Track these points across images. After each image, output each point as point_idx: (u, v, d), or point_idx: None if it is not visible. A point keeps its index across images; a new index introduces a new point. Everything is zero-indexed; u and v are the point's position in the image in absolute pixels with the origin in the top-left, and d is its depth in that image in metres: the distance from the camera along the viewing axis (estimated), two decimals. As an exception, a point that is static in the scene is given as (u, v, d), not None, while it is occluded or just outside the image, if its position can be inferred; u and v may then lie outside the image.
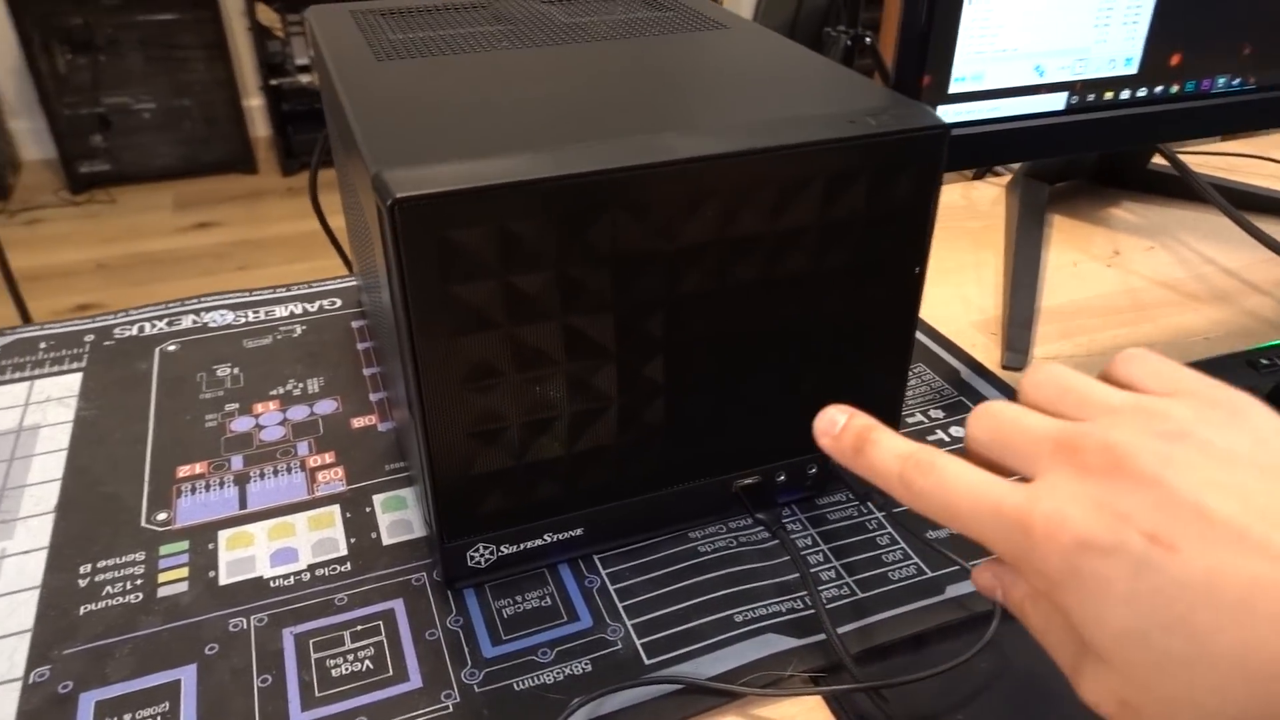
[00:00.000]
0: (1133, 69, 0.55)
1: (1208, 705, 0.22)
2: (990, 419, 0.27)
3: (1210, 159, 0.90)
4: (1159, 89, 0.57)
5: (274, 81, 2.76)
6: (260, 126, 2.94)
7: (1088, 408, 0.26)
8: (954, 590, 0.42)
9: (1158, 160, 0.82)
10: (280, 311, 0.62)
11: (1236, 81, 0.59)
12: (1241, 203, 0.76)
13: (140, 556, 0.43)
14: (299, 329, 0.61)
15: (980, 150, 0.54)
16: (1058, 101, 0.54)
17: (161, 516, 0.46)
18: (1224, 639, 0.21)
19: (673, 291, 0.38)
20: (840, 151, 0.37)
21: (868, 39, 2.01)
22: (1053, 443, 0.25)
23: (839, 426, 0.30)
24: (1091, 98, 0.55)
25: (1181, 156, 0.76)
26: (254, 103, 2.90)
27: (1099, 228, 0.79)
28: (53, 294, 2.16)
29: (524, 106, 0.40)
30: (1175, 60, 0.57)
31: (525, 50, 0.48)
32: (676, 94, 0.42)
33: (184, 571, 0.42)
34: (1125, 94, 0.56)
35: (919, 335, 0.60)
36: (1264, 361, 0.53)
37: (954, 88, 0.52)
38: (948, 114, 0.52)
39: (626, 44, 0.49)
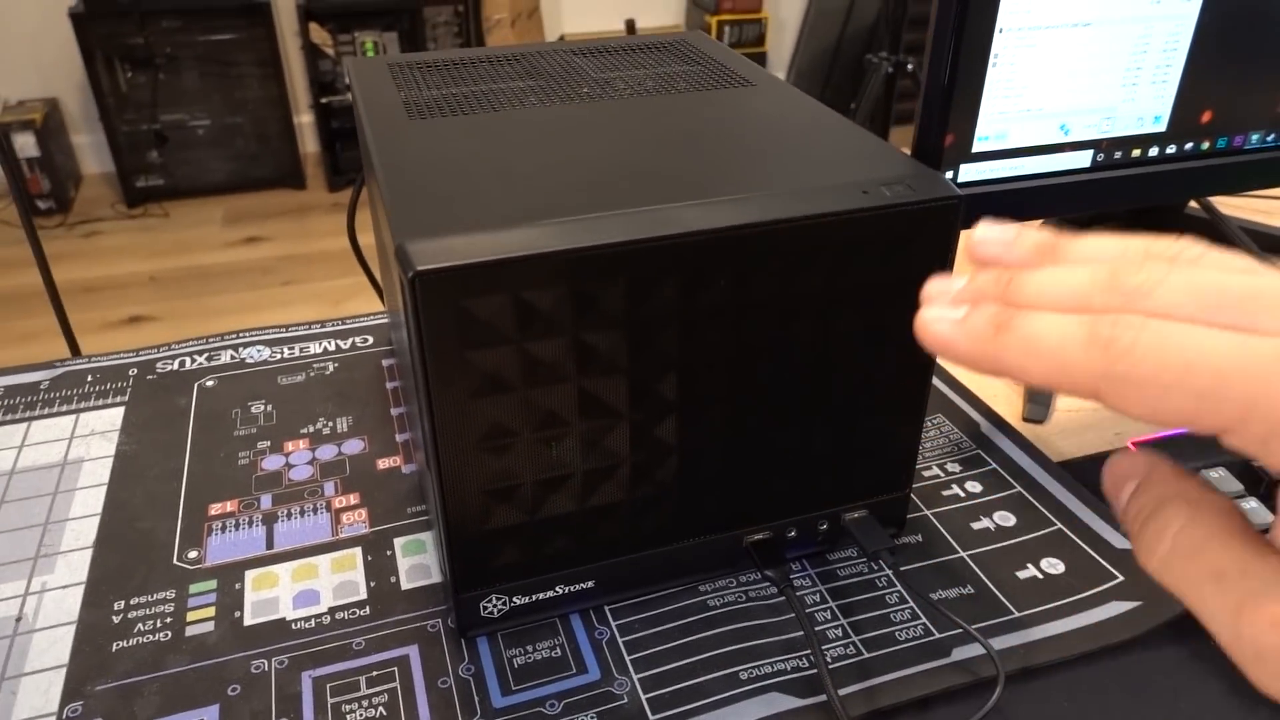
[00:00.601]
0: (1161, 126, 0.55)
1: None
2: (1182, 267, 0.19)
3: (1250, 202, 0.89)
4: (1189, 146, 0.57)
5: (324, 99, 2.83)
6: (310, 143, 3.01)
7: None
8: (960, 653, 0.42)
9: (1194, 204, 0.81)
10: (314, 348, 0.64)
11: (1271, 137, 0.59)
12: (1277, 249, 0.75)
13: (171, 594, 0.45)
14: (331, 366, 0.63)
15: (1003, 208, 0.54)
16: (1083, 159, 0.54)
17: (192, 554, 0.47)
18: None
19: (685, 355, 0.39)
20: (852, 223, 0.38)
21: (909, 65, 2.01)
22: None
23: (963, 308, 0.20)
24: (1118, 155, 0.55)
25: (1220, 199, 0.75)
26: (305, 119, 2.97)
27: (1132, 273, 0.78)
28: (107, 305, 2.23)
29: (546, 171, 0.41)
30: (1206, 117, 0.56)
31: (553, 108, 0.49)
32: (695, 159, 0.43)
33: (211, 611, 0.44)
34: (1154, 151, 0.56)
35: (938, 384, 0.60)
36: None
37: (977, 146, 0.52)
38: (970, 172, 0.52)
39: (652, 101, 0.50)
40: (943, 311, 0.20)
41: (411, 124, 0.47)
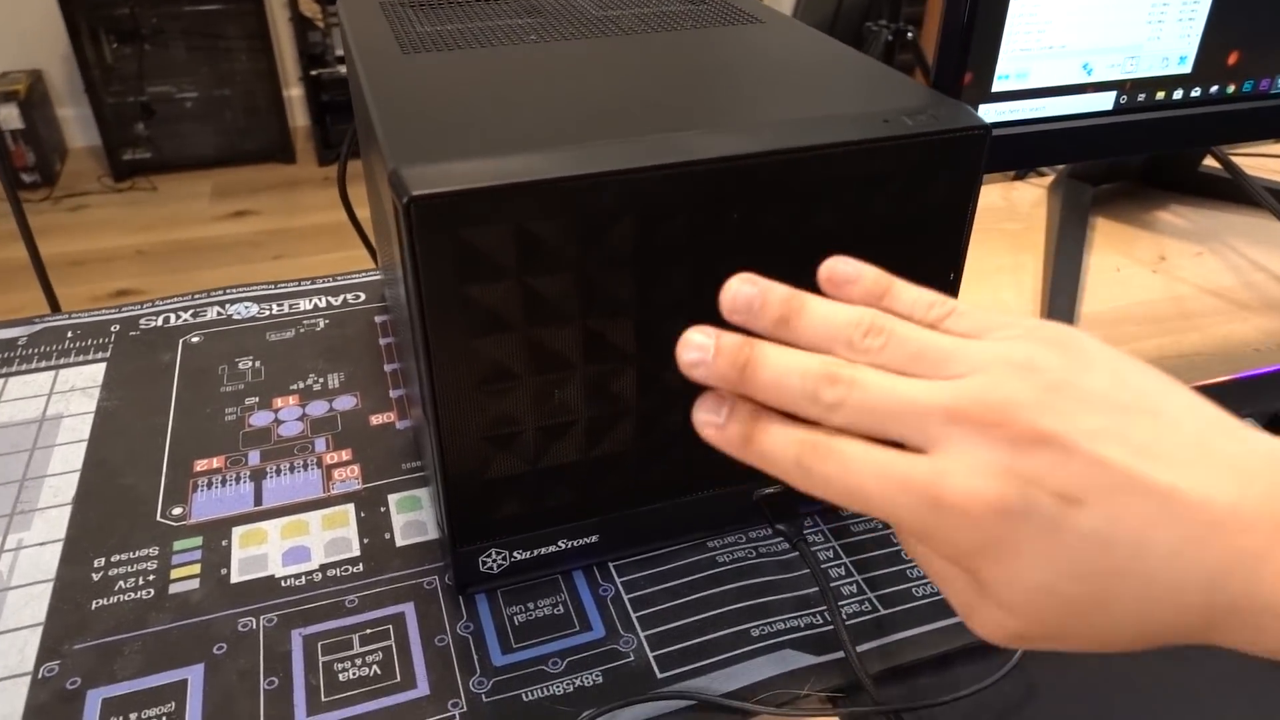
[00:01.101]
0: (1186, 68, 0.53)
1: (1102, 637, 0.24)
2: (857, 389, 0.25)
3: (1267, 161, 0.87)
4: (1214, 89, 0.55)
5: (314, 72, 2.78)
6: (299, 116, 2.96)
7: (952, 364, 0.25)
8: (982, 610, 0.40)
9: (1209, 161, 0.79)
10: (304, 305, 0.62)
11: (1296, 83, 0.57)
12: (1296, 209, 0.73)
13: (154, 551, 0.43)
14: (322, 323, 0.60)
15: (1023, 151, 0.52)
16: (1106, 101, 0.52)
17: (177, 511, 0.45)
18: (1123, 582, 0.23)
19: (697, 294, 0.36)
20: (873, 153, 0.36)
21: (909, 34, 1.98)
22: (943, 411, 0.24)
23: (723, 416, 0.27)
24: (1142, 97, 0.53)
25: (1236, 157, 0.73)
26: (294, 93, 2.92)
27: (1145, 231, 0.76)
28: (93, 279, 2.20)
29: (548, 102, 0.39)
30: (1232, 59, 0.54)
31: (554, 44, 0.47)
32: (705, 91, 0.41)
33: (196, 568, 0.42)
34: (1178, 94, 0.54)
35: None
36: (1318, 377, 0.50)
37: (997, 86, 0.50)
38: (989, 113, 0.50)
39: (657, 38, 0.48)
40: (709, 416, 0.28)
41: (405, 58, 0.45)
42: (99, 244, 2.37)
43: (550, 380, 0.36)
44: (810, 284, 0.38)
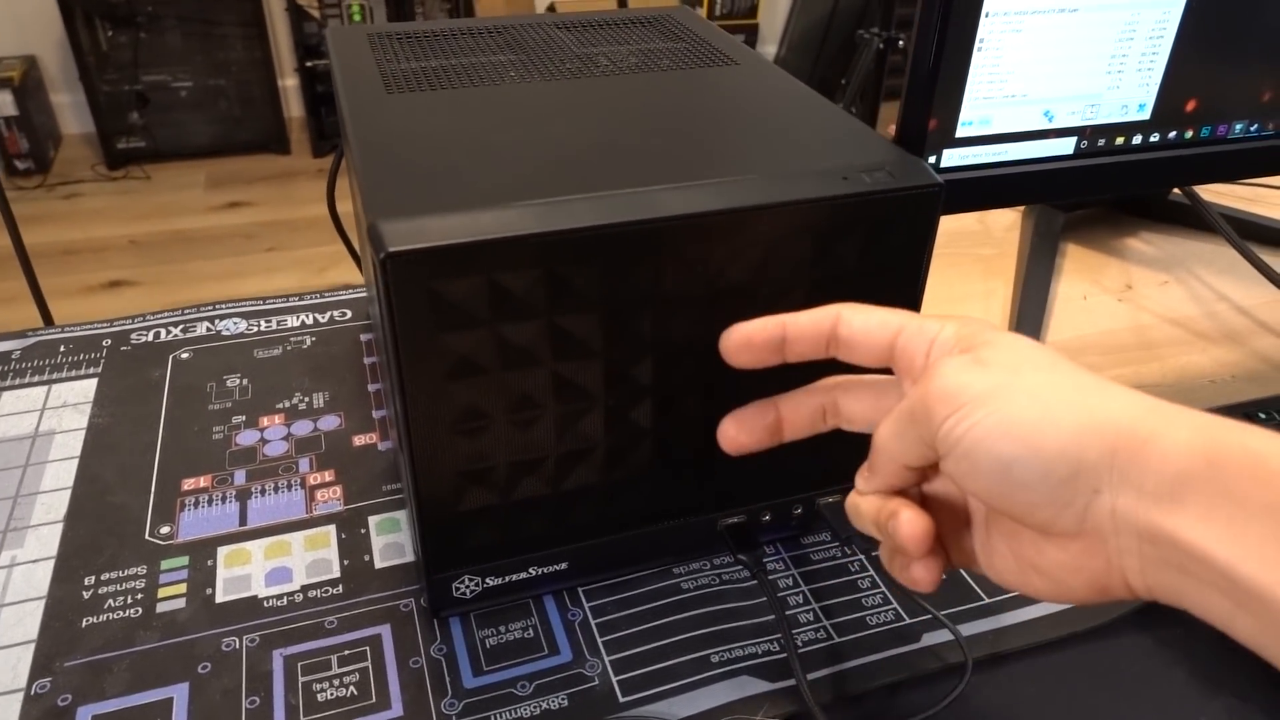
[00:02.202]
0: (1145, 115, 0.55)
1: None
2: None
3: (1232, 189, 0.89)
4: (1172, 134, 0.57)
5: (309, 63, 2.78)
6: (294, 107, 2.96)
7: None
8: (930, 639, 0.43)
9: (1177, 190, 0.81)
10: (292, 321, 0.64)
11: (1254, 127, 0.59)
12: (1259, 236, 0.76)
13: (142, 570, 0.45)
14: (308, 340, 0.62)
15: (986, 194, 0.54)
16: (1066, 146, 0.54)
17: (165, 530, 0.47)
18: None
19: (661, 340, 0.38)
20: (832, 209, 0.38)
21: (900, 41, 1.99)
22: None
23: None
24: (1102, 143, 0.55)
25: (1207, 185, 0.75)
26: (289, 83, 2.92)
27: (1113, 259, 0.78)
28: (86, 269, 2.21)
29: (523, 150, 0.41)
30: (1190, 106, 0.56)
31: (533, 84, 0.48)
32: (675, 140, 0.43)
33: (182, 587, 0.44)
34: (1137, 139, 0.56)
35: (919, 370, 0.60)
36: (1261, 415, 0.53)
37: (961, 132, 0.52)
38: (953, 157, 0.52)
39: (634, 79, 0.49)
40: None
41: (389, 98, 0.46)
42: (92, 233, 2.37)
43: (521, 419, 0.38)
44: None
